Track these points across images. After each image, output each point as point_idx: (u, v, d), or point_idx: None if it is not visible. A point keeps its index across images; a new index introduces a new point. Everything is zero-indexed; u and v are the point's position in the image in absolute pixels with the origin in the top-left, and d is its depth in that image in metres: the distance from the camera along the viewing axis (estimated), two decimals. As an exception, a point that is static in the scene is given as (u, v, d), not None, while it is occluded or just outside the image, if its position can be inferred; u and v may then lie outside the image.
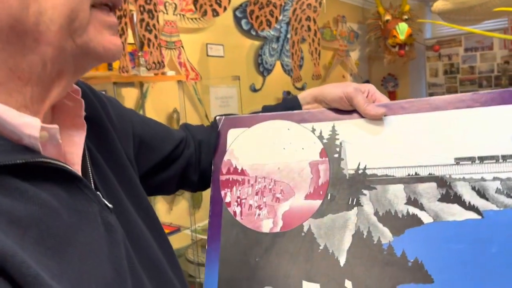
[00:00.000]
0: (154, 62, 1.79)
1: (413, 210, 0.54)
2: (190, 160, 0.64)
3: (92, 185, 0.42)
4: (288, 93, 3.13)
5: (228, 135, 0.67)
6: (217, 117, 0.69)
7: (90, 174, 0.43)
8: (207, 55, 2.61)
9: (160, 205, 2.23)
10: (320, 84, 3.30)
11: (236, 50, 2.82)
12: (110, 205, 0.41)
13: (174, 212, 2.25)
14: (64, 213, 0.35)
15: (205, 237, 2.05)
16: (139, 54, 1.97)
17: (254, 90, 2.96)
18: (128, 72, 1.74)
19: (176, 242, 2.18)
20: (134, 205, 0.47)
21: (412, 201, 0.54)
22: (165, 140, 0.60)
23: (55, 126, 0.36)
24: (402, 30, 3.60)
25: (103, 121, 0.49)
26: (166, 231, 1.91)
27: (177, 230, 1.90)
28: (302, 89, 3.19)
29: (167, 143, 0.61)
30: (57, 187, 0.36)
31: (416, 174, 0.55)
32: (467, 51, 3.90)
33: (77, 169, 0.41)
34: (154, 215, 0.50)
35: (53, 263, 0.32)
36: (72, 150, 0.41)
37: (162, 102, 2.29)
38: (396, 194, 0.55)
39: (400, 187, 0.55)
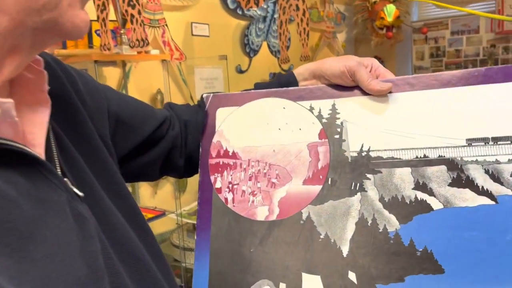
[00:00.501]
0: (137, 39, 1.70)
1: (421, 195, 0.50)
2: (175, 142, 0.58)
3: (59, 170, 0.36)
4: (275, 74, 3.06)
5: (217, 114, 0.61)
6: (204, 95, 0.63)
7: (56, 158, 0.37)
8: (192, 35, 2.52)
9: (144, 189, 2.17)
10: (308, 66, 3.25)
11: (222, 29, 2.73)
12: (80, 193, 0.36)
13: (159, 196, 2.19)
14: (25, 203, 0.30)
15: (191, 221, 2.00)
16: (122, 31, 1.87)
17: (240, 71, 2.88)
18: (110, 50, 1.66)
19: (161, 226, 2.13)
20: (109, 192, 0.41)
21: (421, 186, 0.50)
22: (146, 119, 0.54)
23: (9, 100, 0.30)
24: (390, 11, 3.55)
25: (72, 98, 0.43)
26: (151, 215, 1.85)
27: (162, 214, 1.85)
28: (289, 71, 3.12)
29: (149, 122, 0.55)
30: (15, 174, 0.31)
31: (424, 156, 0.51)
32: (453, 34, 3.88)
33: (39, 152, 0.35)
34: (133, 202, 0.44)
35: (11, 263, 0.27)
36: (34, 130, 0.35)
37: (145, 83, 2.20)
38: (403, 178, 0.51)
39: (407, 170, 0.51)
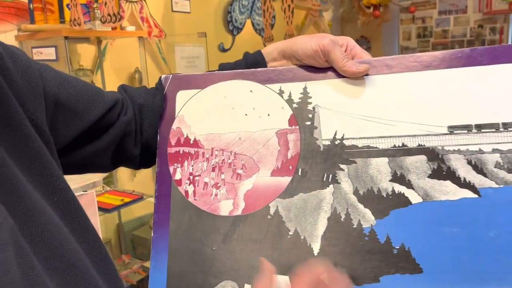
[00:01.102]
0: (109, 14, 1.61)
1: (399, 188, 0.46)
2: (128, 129, 0.53)
3: None
4: (259, 54, 2.98)
5: (177, 98, 0.56)
6: (163, 76, 0.57)
7: None
8: (172, 11, 2.42)
9: (122, 172, 2.11)
10: (292, 45, 3.17)
11: (204, 6, 2.63)
12: None
13: (138, 179, 2.13)
14: None
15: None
16: (94, 6, 1.78)
17: (223, 50, 2.80)
18: (80, 26, 1.57)
19: (140, 209, 2.08)
20: (41, 187, 0.36)
21: (398, 178, 0.46)
22: (93, 103, 0.48)
23: None
24: (378, -11, 3.48)
25: None
26: (128, 199, 1.80)
27: (140, 198, 1.80)
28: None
29: (96, 106, 0.48)
30: None
31: (403, 145, 0.47)
32: (441, 14, 3.83)
33: None
34: (71, 198, 0.39)
35: None
36: None
37: (122, 61, 2.12)
38: (380, 169, 0.47)
39: (384, 160, 0.47)
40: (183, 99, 0.55)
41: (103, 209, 1.65)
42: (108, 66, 2.04)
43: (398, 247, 0.44)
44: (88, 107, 0.48)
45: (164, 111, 0.55)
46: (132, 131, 0.53)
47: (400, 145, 0.47)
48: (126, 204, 1.73)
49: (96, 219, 1.42)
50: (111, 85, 1.99)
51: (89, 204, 1.35)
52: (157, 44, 2.30)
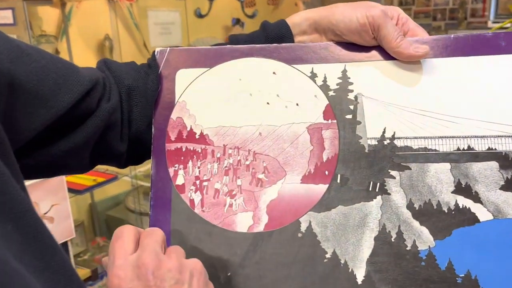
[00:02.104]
0: (75, -27, 1.42)
1: (464, 201, 0.38)
2: (113, 119, 0.40)
3: None
4: (238, 20, 2.81)
5: (177, 79, 0.43)
6: (158, 50, 0.44)
7: None
8: (144, -29, 2.21)
9: (93, 148, 1.96)
10: (273, 12, 3.00)
11: (178, -34, 2.43)
12: None
13: (111, 156, 1.98)
14: None
15: (147, 184, 1.84)
16: (57, -38, 1.58)
17: (199, 15, 2.62)
18: (41, -15, 1.37)
19: (114, 188, 1.95)
20: None
21: (463, 189, 0.38)
22: (64, 84, 0.36)
23: None
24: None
25: None
26: (102, 179, 1.66)
27: (114, 178, 1.66)
28: (252, 16, 2.89)
29: (68, 88, 0.36)
30: None
31: (469, 148, 0.38)
32: (424, -21, 3.75)
33: None
34: (34, 225, 0.28)
35: None
36: None
37: (90, 27, 1.92)
38: (440, 178, 0.39)
39: (445, 167, 0.39)
40: (184, 80, 0.43)
41: (74, 190, 1.51)
42: (74, 32, 1.84)
43: (462, 275, 0.37)
44: (57, 89, 0.35)
45: (160, 96, 0.43)
46: (117, 122, 0.41)
47: (466, 148, 0.38)
48: (99, 184, 1.60)
49: (66, 203, 1.29)
50: (79, 54, 1.81)
51: (57, 189, 1.22)
52: (128, 8, 2.11)
